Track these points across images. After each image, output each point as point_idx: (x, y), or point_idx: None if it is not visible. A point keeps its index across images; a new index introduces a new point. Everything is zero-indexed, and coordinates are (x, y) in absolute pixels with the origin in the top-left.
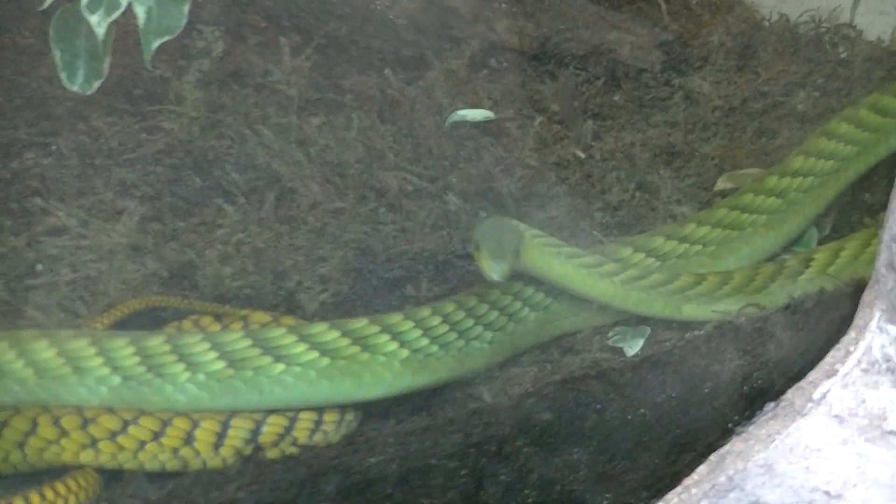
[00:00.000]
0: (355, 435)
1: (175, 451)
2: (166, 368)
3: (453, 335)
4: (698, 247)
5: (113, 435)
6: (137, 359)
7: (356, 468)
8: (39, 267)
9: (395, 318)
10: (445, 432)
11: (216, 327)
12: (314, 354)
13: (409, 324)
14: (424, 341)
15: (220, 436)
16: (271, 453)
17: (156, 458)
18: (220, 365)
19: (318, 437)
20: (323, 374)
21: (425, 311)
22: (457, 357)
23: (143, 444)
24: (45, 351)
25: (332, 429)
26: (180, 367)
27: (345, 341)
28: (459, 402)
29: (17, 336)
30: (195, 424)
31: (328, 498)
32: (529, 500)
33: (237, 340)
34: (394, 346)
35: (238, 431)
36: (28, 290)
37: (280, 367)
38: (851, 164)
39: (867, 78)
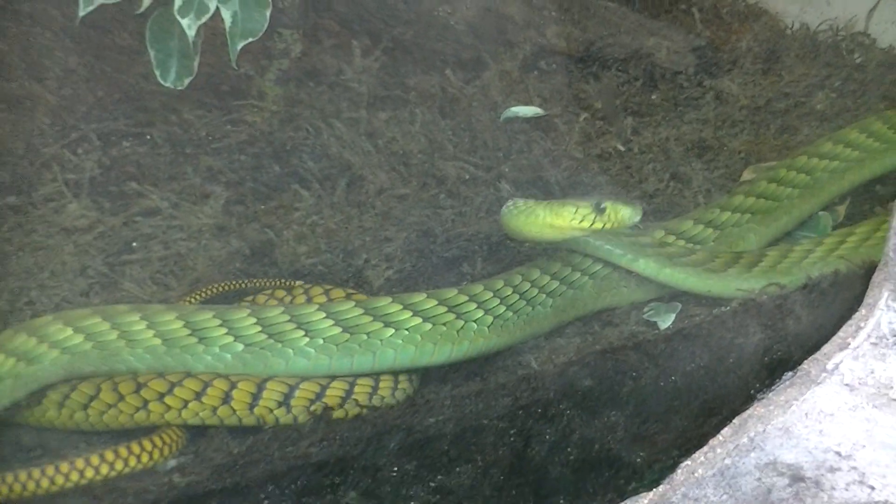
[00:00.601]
0: (416, 398)
1: (250, 408)
2: (287, 335)
3: (523, 303)
4: (716, 232)
5: (197, 395)
6: (258, 328)
7: (416, 427)
8: (135, 244)
9: (477, 288)
10: (497, 396)
11: (289, 299)
12: (418, 320)
13: (489, 294)
14: (502, 308)
15: (288, 396)
16: (338, 414)
17: (233, 414)
18: (337, 331)
19: (375, 401)
20: (427, 338)
21: (499, 283)
22: (526, 321)
23: (222, 402)
24: (173, 322)
25: (388, 393)
26: (299, 333)
27: (442, 309)
28: (510, 369)
29: (147, 309)
30: (262, 387)
31: (391, 453)
32: (571, 458)
33: (349, 309)
34: (480, 313)
35: (305, 393)
36: (125, 264)
37: (390, 331)
38: (874, 159)
39: (880, 81)
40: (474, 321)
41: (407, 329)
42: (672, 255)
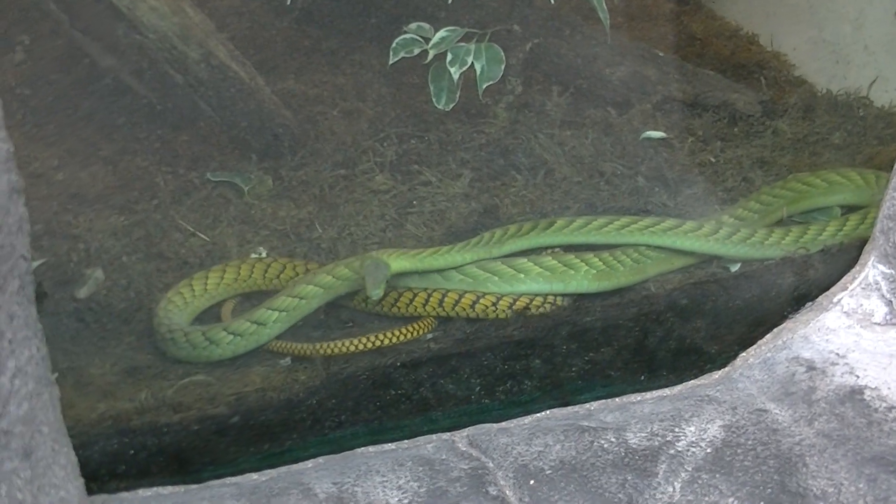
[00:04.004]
0: (578, 305)
1: (484, 309)
2: (513, 271)
3: (642, 257)
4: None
5: (456, 301)
6: (501, 265)
7: (578, 322)
8: (414, 203)
9: (617, 251)
10: (628, 306)
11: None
12: (589, 265)
13: (623, 254)
14: (630, 260)
15: (496, 302)
16: (531, 313)
17: (468, 309)
18: (540, 269)
19: (550, 307)
20: (600, 276)
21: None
22: (642, 269)
23: (462, 303)
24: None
25: (561, 301)
26: (518, 271)
27: (599, 259)
28: (636, 290)
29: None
30: (499, 297)
31: (561, 337)
32: (672, 346)
33: (548, 260)
34: (623, 259)
35: (511, 300)
36: (408, 214)
37: (572, 271)
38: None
39: (874, 127)
40: (620, 265)
41: (583, 271)
42: (741, 239)
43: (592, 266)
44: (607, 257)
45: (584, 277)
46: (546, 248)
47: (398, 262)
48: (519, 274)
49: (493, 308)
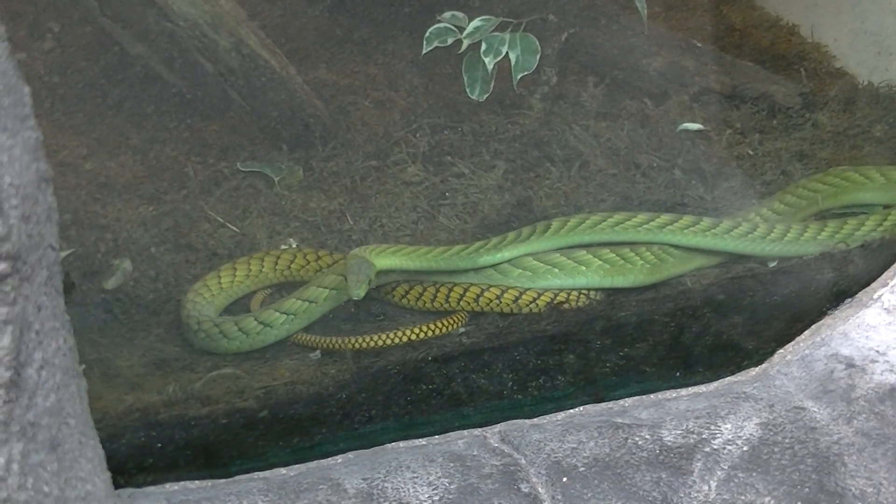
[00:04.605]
0: (612, 300)
1: (516, 302)
2: (553, 268)
3: (679, 252)
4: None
5: (479, 295)
6: (535, 261)
7: (612, 317)
8: (447, 194)
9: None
10: (664, 301)
11: None
12: (623, 260)
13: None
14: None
15: (532, 296)
16: (566, 307)
17: (503, 304)
18: (574, 264)
19: (584, 300)
20: (635, 271)
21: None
22: (679, 264)
23: (497, 298)
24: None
25: (594, 295)
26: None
27: (647, 254)
28: (673, 285)
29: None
30: (523, 291)
31: (596, 332)
32: (708, 342)
33: (584, 254)
34: (665, 256)
35: (546, 294)
36: (440, 206)
37: (608, 266)
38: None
39: None
40: (659, 260)
41: (639, 265)
42: (777, 237)
43: (646, 260)
44: (658, 251)
45: (639, 271)
46: (549, 251)
47: (384, 259)
48: (580, 266)
49: (528, 302)
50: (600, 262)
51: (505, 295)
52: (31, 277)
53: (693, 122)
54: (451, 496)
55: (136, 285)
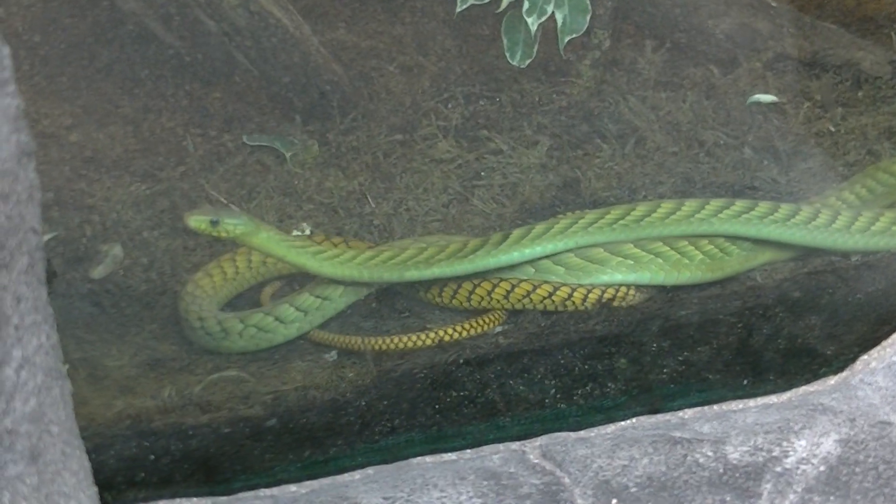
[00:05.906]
0: (670, 297)
1: (563, 301)
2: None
3: (747, 244)
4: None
5: (526, 294)
6: (577, 259)
7: (671, 317)
8: (482, 174)
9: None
10: (730, 299)
11: None
12: (692, 256)
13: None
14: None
15: (581, 292)
16: (616, 304)
17: (546, 301)
18: (640, 260)
19: (637, 297)
20: (701, 266)
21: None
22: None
23: (535, 296)
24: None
25: (644, 293)
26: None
27: (707, 247)
28: (740, 280)
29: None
30: (574, 288)
31: (652, 334)
32: (781, 346)
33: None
34: (730, 248)
35: (595, 290)
36: (474, 188)
37: (669, 262)
38: None
39: None
40: (727, 255)
41: (698, 259)
42: (862, 228)
43: (707, 254)
44: (722, 243)
45: (697, 267)
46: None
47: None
48: (627, 261)
49: (573, 300)
50: (651, 257)
51: (558, 292)
52: (10, 265)
53: (766, 93)
54: None
55: (128, 274)
